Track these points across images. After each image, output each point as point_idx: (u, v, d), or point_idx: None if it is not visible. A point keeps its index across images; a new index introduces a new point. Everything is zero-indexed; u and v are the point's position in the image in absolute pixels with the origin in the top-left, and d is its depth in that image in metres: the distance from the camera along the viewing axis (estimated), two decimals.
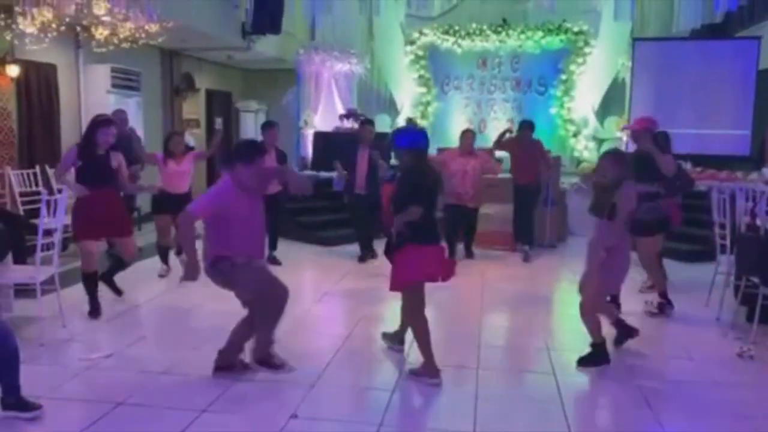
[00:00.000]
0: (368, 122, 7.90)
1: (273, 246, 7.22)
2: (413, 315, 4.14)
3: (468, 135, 7.67)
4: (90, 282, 5.33)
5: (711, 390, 4.07)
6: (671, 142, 6.02)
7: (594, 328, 4.38)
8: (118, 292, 5.77)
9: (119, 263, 5.71)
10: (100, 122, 5.22)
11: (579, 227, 8.55)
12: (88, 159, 5.12)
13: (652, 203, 5.27)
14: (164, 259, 6.73)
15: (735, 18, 10.69)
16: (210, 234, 3.92)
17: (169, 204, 6.24)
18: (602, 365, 4.33)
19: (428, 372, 4.06)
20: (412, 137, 4.17)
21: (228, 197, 3.88)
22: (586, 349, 4.38)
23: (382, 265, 4.96)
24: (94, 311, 5.29)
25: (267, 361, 3.99)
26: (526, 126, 7.85)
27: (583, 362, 4.34)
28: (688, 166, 9.94)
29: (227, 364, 4.09)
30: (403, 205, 3.97)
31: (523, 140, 7.81)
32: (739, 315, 5.27)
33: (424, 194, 4.01)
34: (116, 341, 4.77)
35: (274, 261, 7.00)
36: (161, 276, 6.62)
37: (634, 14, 11.41)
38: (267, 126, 7.06)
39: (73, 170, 5.28)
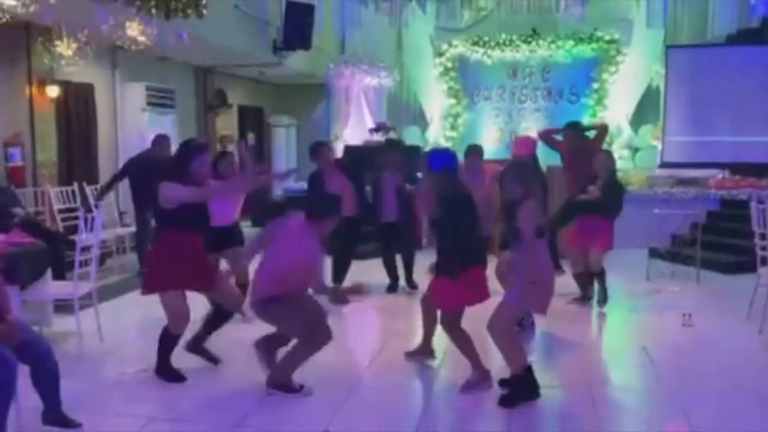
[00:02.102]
0: (392, 143, 7.21)
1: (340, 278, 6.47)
2: (451, 329, 4.17)
3: (474, 152, 6.35)
4: (170, 343, 4.29)
5: (752, 405, 3.94)
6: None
7: (511, 352, 3.86)
8: (214, 360, 4.54)
9: (219, 318, 4.54)
10: (195, 148, 4.23)
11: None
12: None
13: None
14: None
15: None
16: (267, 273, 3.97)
17: (214, 240, 4.77)
18: (534, 399, 3.80)
19: (481, 377, 4.10)
20: (446, 160, 4.16)
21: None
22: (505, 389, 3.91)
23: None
24: (174, 376, 4.27)
25: (285, 385, 4.02)
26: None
27: (508, 401, 3.79)
28: (725, 174, 9.78)
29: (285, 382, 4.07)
30: (446, 229, 4.04)
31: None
32: None
33: (465, 218, 4.01)
34: (152, 356, 4.81)
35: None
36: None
37: (666, 21, 11.23)
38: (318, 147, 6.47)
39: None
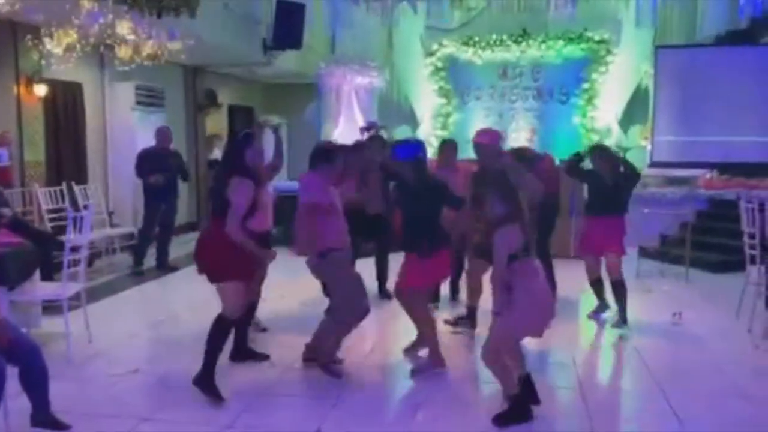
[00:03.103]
0: (375, 139, 6.69)
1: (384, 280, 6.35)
2: (414, 310, 4.45)
3: (448, 147, 6.09)
4: (226, 332, 4.08)
5: (742, 403, 3.96)
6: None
7: (502, 376, 3.71)
8: (264, 356, 4.60)
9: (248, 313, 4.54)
10: (244, 139, 4.06)
11: None
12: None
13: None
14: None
15: (760, 24, 10.51)
16: (309, 231, 4.19)
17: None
18: (527, 422, 3.62)
19: (434, 362, 4.39)
20: (411, 149, 4.45)
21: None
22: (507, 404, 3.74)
23: None
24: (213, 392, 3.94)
25: (326, 365, 4.26)
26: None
27: (501, 420, 3.63)
28: (714, 174, 9.84)
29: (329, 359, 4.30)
30: (407, 211, 4.31)
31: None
32: None
33: (423, 201, 4.27)
34: (142, 356, 4.80)
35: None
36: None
37: (656, 21, 11.28)
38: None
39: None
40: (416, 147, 4.50)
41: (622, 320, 5.38)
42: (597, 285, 5.65)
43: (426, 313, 4.55)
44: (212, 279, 3.94)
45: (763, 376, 4.39)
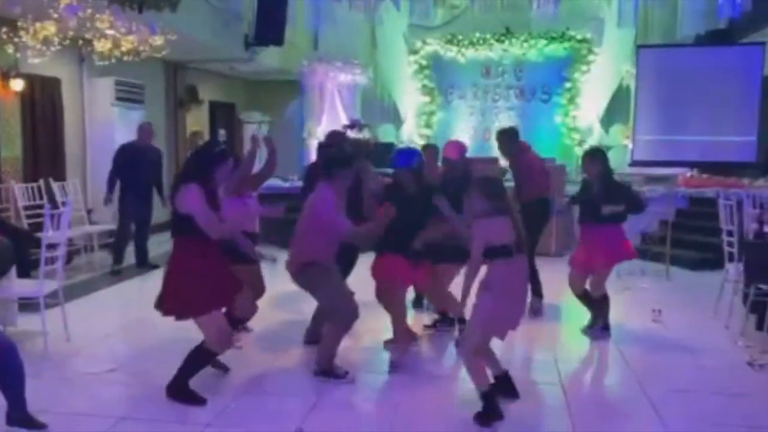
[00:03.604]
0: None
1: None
2: (395, 304, 4.61)
3: (430, 152, 5.76)
4: (204, 362, 3.96)
5: (720, 399, 4.01)
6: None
7: (474, 373, 3.68)
8: (225, 368, 4.34)
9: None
10: (219, 156, 3.83)
11: None
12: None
13: None
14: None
15: (739, 24, 10.64)
16: (306, 240, 4.21)
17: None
18: (494, 421, 3.59)
19: (405, 340, 4.63)
20: (411, 156, 4.78)
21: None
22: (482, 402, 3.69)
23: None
24: (194, 398, 3.85)
25: (330, 371, 4.21)
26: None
27: (482, 419, 3.61)
28: (694, 173, 9.96)
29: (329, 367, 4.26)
30: (404, 216, 4.28)
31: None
32: (749, 323, 5.20)
33: (420, 207, 4.38)
34: (120, 355, 4.74)
35: None
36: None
37: (637, 21, 11.38)
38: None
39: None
40: (415, 154, 4.86)
41: (603, 327, 5.16)
42: (582, 299, 5.27)
43: (401, 298, 4.68)
44: (181, 317, 3.78)
45: (740, 372, 4.44)
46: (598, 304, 5.16)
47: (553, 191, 6.07)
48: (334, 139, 5.67)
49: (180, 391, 3.84)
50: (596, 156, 5.16)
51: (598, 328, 5.17)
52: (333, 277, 4.29)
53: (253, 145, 5.08)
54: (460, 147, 5.31)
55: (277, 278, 5.08)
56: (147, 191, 7.51)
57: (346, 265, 4.86)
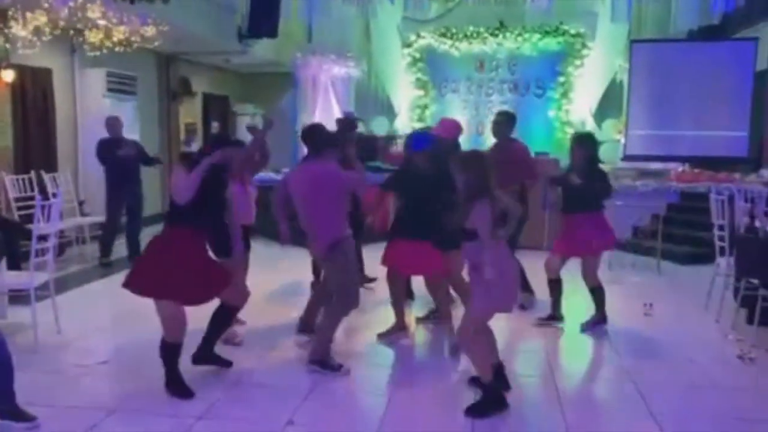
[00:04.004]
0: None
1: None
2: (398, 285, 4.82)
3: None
4: (171, 355, 3.87)
5: (711, 393, 4.04)
6: None
7: (479, 362, 3.67)
8: (227, 363, 4.27)
9: (225, 315, 4.21)
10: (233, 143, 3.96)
11: None
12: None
13: None
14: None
15: (732, 19, 10.67)
16: (328, 219, 4.20)
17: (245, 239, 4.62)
18: (502, 411, 3.61)
19: (398, 328, 4.75)
20: (426, 140, 4.74)
21: None
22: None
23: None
24: (181, 391, 3.84)
25: (325, 362, 4.19)
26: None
27: (477, 410, 3.61)
28: (686, 168, 9.99)
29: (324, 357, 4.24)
30: (418, 200, 4.49)
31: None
32: (739, 317, 5.23)
33: (409, 188, 4.54)
34: (112, 347, 4.73)
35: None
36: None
37: (630, 16, 11.37)
38: None
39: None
40: (430, 137, 4.79)
41: (599, 320, 5.17)
42: (552, 284, 5.27)
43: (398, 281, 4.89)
44: (145, 292, 3.74)
45: (730, 366, 4.47)
46: (596, 296, 5.17)
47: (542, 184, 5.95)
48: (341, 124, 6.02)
49: (172, 384, 3.82)
50: (585, 141, 5.19)
51: (593, 321, 5.19)
52: (353, 256, 4.37)
53: (262, 131, 4.98)
54: (455, 127, 5.10)
55: (269, 271, 5.08)
56: (133, 181, 7.49)
57: (357, 227, 4.93)
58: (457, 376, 4.24)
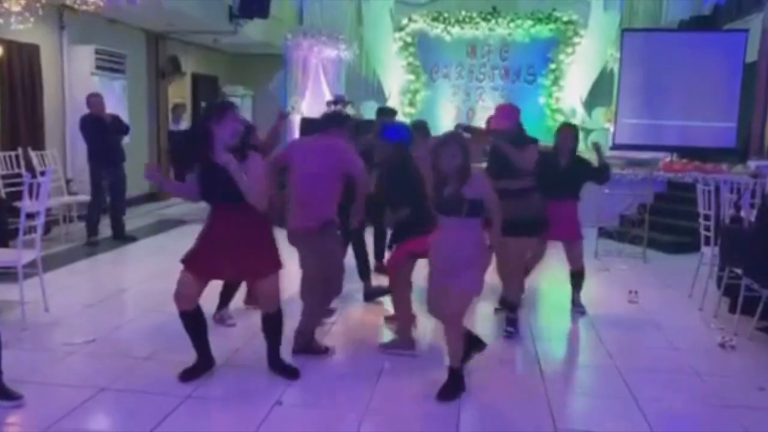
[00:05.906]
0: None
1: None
2: (396, 285, 4.40)
3: (418, 130, 5.51)
4: (183, 322, 3.79)
5: (693, 379, 4.11)
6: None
7: (457, 344, 3.71)
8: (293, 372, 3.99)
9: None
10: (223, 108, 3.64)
11: None
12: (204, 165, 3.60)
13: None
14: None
15: (723, 11, 10.73)
16: (331, 192, 4.12)
17: None
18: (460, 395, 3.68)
19: (404, 344, 4.33)
20: (400, 132, 4.61)
21: None
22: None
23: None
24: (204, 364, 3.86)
25: (311, 347, 4.18)
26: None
27: (447, 394, 3.67)
28: (673, 157, 10.07)
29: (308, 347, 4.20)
30: (394, 200, 4.24)
31: None
32: (722, 305, 5.32)
33: (411, 190, 4.18)
34: (100, 326, 4.72)
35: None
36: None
37: (623, 5, 11.41)
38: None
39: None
40: (404, 129, 4.78)
41: (576, 304, 5.32)
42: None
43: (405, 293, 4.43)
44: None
45: (713, 354, 4.54)
46: (575, 280, 5.35)
47: None
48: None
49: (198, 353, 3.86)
50: (573, 132, 5.44)
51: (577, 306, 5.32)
52: (338, 243, 4.33)
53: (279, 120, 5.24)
54: (514, 112, 5.01)
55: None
56: (116, 158, 7.46)
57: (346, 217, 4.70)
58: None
